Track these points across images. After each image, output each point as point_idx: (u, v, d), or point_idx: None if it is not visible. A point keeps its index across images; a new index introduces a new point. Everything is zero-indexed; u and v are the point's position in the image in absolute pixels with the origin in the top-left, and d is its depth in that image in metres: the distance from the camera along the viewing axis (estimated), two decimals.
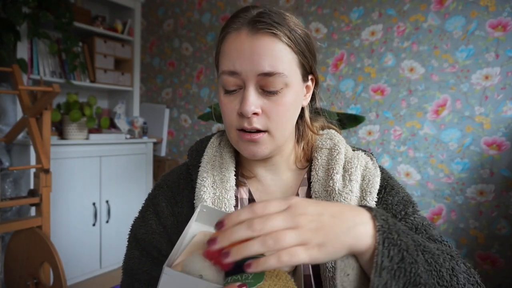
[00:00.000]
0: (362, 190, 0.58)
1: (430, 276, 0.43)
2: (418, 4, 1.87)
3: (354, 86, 2.08)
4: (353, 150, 0.65)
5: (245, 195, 0.64)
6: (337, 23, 2.12)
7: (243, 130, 0.55)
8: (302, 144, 0.66)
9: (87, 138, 2.28)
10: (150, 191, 0.69)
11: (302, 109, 0.63)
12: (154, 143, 2.77)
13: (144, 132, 2.70)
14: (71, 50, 2.31)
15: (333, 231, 0.39)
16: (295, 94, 0.56)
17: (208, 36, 2.67)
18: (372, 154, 0.66)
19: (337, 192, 0.57)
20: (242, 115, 0.54)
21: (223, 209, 0.59)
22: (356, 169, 0.59)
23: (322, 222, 0.40)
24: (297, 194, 0.63)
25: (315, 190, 0.60)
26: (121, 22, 2.77)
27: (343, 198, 0.57)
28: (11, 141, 1.86)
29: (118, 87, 2.69)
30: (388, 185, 0.60)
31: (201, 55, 2.72)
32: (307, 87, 0.61)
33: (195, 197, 0.61)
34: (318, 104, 0.68)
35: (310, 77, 0.61)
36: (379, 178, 0.60)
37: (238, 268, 0.39)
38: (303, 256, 0.37)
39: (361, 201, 0.57)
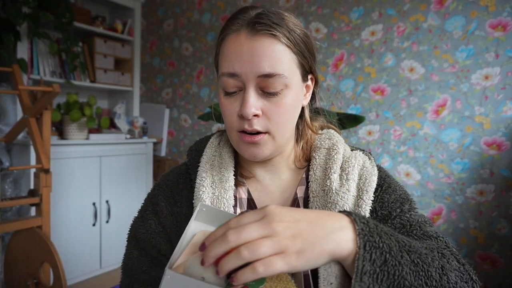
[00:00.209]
0: (359, 189, 0.58)
1: (417, 277, 0.42)
2: (418, 4, 1.87)
3: (354, 86, 2.08)
4: (352, 150, 0.65)
5: (244, 195, 0.64)
6: (337, 23, 2.12)
7: (243, 132, 0.55)
8: (301, 144, 0.66)
9: (87, 138, 2.28)
10: (150, 191, 0.69)
11: (302, 108, 0.63)
12: (154, 143, 2.77)
13: (144, 132, 2.70)
14: (71, 50, 2.31)
15: (311, 237, 0.39)
16: (295, 95, 0.56)
17: (208, 36, 2.67)
18: (371, 154, 0.66)
19: (334, 191, 0.57)
20: (242, 117, 0.54)
21: (222, 209, 0.58)
22: (353, 168, 0.59)
23: (299, 228, 0.39)
24: (296, 194, 0.63)
25: (313, 189, 0.59)
26: (121, 22, 2.77)
27: (340, 197, 0.56)
28: (11, 141, 1.86)
29: (118, 87, 2.69)
30: (385, 183, 0.60)
31: (201, 55, 2.72)
32: (307, 86, 0.61)
33: (194, 197, 0.61)
34: (318, 103, 0.68)
35: (309, 76, 0.61)
36: (376, 177, 0.59)
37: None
38: (280, 264, 0.37)
39: (358, 200, 0.57)
